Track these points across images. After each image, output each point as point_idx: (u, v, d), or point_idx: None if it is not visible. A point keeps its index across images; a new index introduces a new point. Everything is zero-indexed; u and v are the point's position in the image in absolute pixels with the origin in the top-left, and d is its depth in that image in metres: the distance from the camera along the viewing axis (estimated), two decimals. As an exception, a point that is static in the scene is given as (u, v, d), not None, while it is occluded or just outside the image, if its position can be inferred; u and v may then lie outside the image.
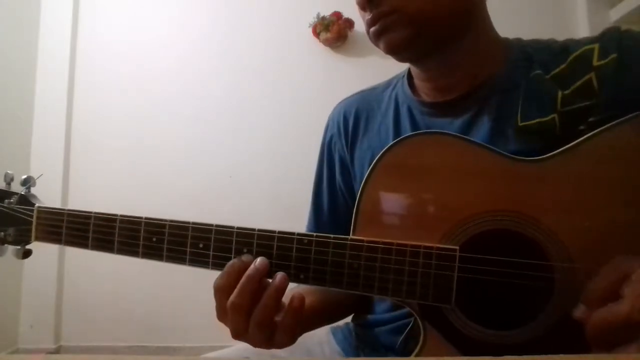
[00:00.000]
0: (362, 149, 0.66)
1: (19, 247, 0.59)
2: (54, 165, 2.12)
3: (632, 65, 0.50)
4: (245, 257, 0.48)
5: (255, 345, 0.49)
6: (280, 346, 0.49)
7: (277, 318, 0.48)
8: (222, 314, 0.48)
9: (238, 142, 2.19)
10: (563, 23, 2.19)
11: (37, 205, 0.58)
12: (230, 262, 0.48)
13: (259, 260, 0.48)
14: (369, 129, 0.66)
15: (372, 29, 0.55)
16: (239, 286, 0.47)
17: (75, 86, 2.23)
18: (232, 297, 0.47)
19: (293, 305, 0.47)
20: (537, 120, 0.52)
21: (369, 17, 0.54)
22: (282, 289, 0.47)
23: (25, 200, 0.59)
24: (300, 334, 0.54)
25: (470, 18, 0.56)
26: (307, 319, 0.56)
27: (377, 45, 0.56)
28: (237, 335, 0.49)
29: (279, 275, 0.47)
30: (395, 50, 0.55)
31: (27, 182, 0.60)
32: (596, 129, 0.46)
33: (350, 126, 0.68)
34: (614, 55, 0.50)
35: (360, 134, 0.67)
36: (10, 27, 2.05)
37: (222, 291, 0.48)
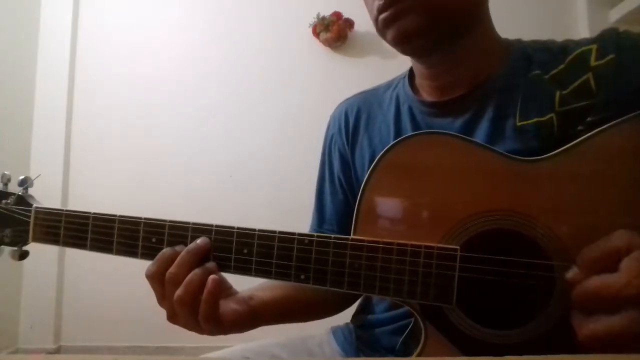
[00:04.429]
0: (362, 147, 0.66)
1: (15, 248, 0.58)
2: (54, 165, 2.12)
3: (630, 65, 0.50)
4: (178, 248, 0.51)
5: (188, 328, 0.52)
6: (209, 333, 0.52)
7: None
8: (159, 297, 0.52)
9: (238, 141, 2.19)
10: (563, 23, 2.19)
11: (34, 205, 0.58)
12: (162, 251, 0.51)
13: (200, 238, 0.50)
14: (370, 127, 0.66)
15: (383, 15, 0.53)
16: (178, 258, 0.49)
17: (75, 86, 2.23)
18: (171, 269, 0.49)
19: (208, 289, 0.49)
20: (535, 119, 0.52)
21: (381, 2, 0.53)
22: (210, 270, 0.49)
23: (23, 200, 0.59)
24: (252, 326, 0.57)
25: (477, 15, 0.56)
26: (264, 313, 0.58)
27: (384, 34, 0.55)
28: (171, 316, 0.51)
29: (211, 261, 0.50)
30: (406, 39, 0.54)
31: (25, 183, 0.59)
32: (594, 129, 0.46)
33: (351, 124, 0.68)
34: (611, 56, 0.50)
35: (361, 132, 0.67)
36: (10, 27, 2.05)
37: (153, 278, 0.51)
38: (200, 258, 0.50)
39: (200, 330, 0.51)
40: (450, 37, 0.55)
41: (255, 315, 0.56)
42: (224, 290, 0.54)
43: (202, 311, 0.49)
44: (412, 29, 0.52)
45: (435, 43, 0.55)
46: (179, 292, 0.49)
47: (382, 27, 0.55)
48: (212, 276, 0.49)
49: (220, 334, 0.53)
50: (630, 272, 0.35)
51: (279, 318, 0.63)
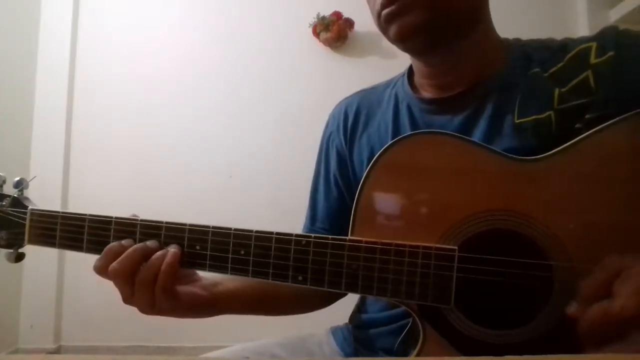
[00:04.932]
0: (361, 145, 0.66)
1: (11, 250, 0.58)
2: (54, 165, 2.12)
3: (629, 63, 0.50)
4: (125, 242, 0.51)
5: (141, 310, 0.52)
6: (165, 312, 0.52)
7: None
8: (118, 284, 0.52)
9: (238, 141, 2.19)
10: (563, 23, 2.19)
11: (30, 207, 0.57)
12: (109, 245, 0.51)
13: (149, 241, 0.51)
14: (369, 125, 0.66)
15: (386, 10, 0.53)
16: (125, 254, 0.50)
17: (75, 86, 2.23)
18: (115, 263, 0.50)
19: (166, 260, 0.49)
20: (534, 117, 0.52)
21: None
22: (171, 254, 0.50)
23: (18, 202, 0.58)
24: (211, 313, 0.58)
25: (478, 15, 0.56)
26: (227, 301, 0.59)
27: (386, 29, 0.55)
28: (125, 299, 0.52)
29: (174, 244, 0.51)
30: (408, 35, 0.53)
31: (20, 185, 0.59)
32: (593, 127, 0.46)
33: (350, 122, 0.68)
34: (611, 54, 0.50)
35: (360, 130, 0.67)
36: (10, 27, 2.05)
37: (101, 270, 0.52)
38: (144, 255, 0.51)
39: (154, 310, 0.51)
40: (451, 36, 0.54)
41: (216, 303, 0.57)
42: (188, 274, 0.56)
43: (159, 283, 0.50)
44: (415, 25, 0.52)
45: (437, 41, 0.54)
46: (141, 275, 0.50)
47: (385, 23, 0.54)
48: (172, 250, 0.50)
49: (175, 316, 0.54)
50: (623, 294, 0.35)
51: (244, 309, 0.63)
